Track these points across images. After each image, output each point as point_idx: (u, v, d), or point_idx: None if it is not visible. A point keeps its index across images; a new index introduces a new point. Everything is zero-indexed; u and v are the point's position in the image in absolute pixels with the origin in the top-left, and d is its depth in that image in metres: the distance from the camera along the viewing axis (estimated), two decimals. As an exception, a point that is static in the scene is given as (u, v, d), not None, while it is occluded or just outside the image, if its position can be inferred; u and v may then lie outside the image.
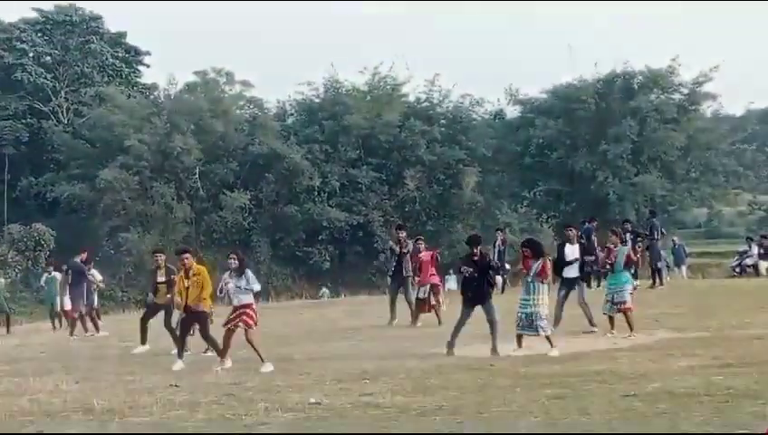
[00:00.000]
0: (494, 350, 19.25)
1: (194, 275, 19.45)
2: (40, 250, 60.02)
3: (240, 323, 18.84)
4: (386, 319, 26.90)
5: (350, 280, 61.73)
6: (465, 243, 22.15)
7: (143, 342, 23.26)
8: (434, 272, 26.93)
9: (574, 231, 24.28)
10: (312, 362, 18.51)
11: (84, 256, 31.45)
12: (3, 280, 41.63)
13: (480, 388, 14.37)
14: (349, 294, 48.65)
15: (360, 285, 55.90)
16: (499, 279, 32.00)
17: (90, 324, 30.34)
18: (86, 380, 17.43)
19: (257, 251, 64.89)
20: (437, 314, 26.12)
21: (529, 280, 19.29)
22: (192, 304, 19.40)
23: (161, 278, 23.06)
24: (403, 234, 28.50)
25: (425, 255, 27.12)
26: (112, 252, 61.79)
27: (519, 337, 19.29)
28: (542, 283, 19.15)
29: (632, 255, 22.99)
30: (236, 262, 19.12)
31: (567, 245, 23.48)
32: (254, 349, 18.64)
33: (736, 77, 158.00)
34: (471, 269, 19.67)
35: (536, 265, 19.20)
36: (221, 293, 19.43)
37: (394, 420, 12.05)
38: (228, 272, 19.27)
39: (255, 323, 18.97)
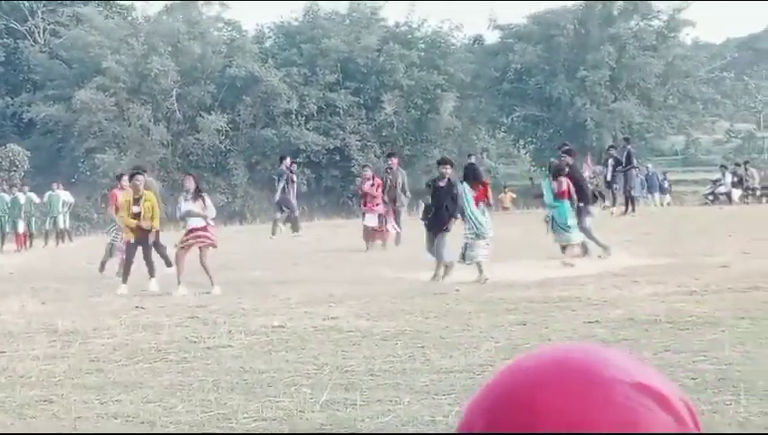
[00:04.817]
0: (434, 277, 18.96)
1: (145, 201, 19.35)
2: (14, 171, 59.63)
3: (195, 242, 18.70)
4: (359, 243, 26.98)
5: (326, 204, 61.73)
6: (436, 162, 21.97)
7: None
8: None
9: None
10: (280, 285, 18.51)
11: None
12: None
13: (444, 313, 14.44)
14: (324, 217, 48.65)
15: (336, 208, 55.97)
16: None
17: None
18: (53, 301, 17.47)
19: (234, 174, 64.76)
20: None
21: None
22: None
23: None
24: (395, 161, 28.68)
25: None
26: (88, 173, 61.48)
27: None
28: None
29: (565, 188, 21.16)
30: (193, 184, 19.00)
31: None
32: (207, 272, 18.51)
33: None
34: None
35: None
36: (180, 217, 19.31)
37: (356, 345, 12.11)
38: (183, 194, 19.18)
39: (214, 245, 18.91)
